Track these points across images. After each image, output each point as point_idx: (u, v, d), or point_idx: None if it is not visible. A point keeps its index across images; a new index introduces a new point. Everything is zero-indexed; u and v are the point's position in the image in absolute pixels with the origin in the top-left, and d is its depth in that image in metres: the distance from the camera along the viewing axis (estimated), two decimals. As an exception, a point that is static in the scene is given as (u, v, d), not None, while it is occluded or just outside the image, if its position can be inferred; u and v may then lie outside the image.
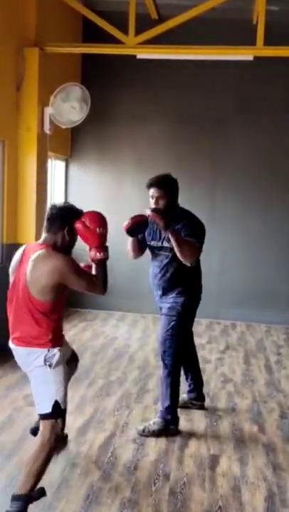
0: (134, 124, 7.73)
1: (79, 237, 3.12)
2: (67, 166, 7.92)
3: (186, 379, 4.48)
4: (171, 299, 4.08)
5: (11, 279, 3.09)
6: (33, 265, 2.93)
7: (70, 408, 4.35)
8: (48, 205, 3.19)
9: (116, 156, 7.81)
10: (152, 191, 3.99)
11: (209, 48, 6.01)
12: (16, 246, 5.91)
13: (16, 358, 3.10)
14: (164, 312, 4.12)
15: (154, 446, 3.82)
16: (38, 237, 6.04)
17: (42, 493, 2.94)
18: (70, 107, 5.91)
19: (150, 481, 3.35)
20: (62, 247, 3.06)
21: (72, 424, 4.06)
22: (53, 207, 3.14)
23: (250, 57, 6.07)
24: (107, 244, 3.12)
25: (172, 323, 4.04)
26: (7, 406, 4.35)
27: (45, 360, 2.96)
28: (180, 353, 4.11)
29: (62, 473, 3.37)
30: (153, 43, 5.96)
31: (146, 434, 3.95)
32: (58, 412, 2.98)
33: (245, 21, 6.79)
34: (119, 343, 6.34)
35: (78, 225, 3.05)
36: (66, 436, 3.64)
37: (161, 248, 4.07)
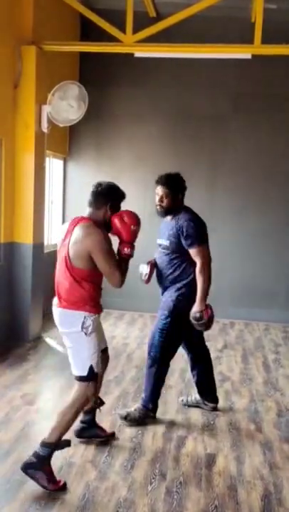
0: (132, 122, 7.72)
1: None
2: (65, 165, 7.92)
3: (193, 377, 4.51)
4: (168, 294, 4.14)
5: (57, 248, 3.41)
6: (74, 234, 3.24)
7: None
8: (93, 184, 3.49)
9: (114, 154, 7.80)
10: (158, 189, 4.09)
11: (207, 46, 5.99)
12: (13, 245, 5.97)
13: (56, 318, 3.37)
14: (159, 307, 4.20)
15: (151, 446, 3.82)
16: (35, 236, 6.06)
17: (67, 443, 3.34)
18: (67, 105, 5.90)
19: (146, 481, 3.35)
20: (103, 223, 3.33)
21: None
22: (99, 184, 3.45)
23: (248, 56, 6.06)
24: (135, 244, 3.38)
25: (162, 318, 4.11)
26: (4, 405, 4.34)
27: (82, 327, 3.24)
28: (168, 348, 4.14)
29: (58, 473, 3.36)
30: (151, 41, 5.94)
31: (128, 420, 4.07)
32: (92, 376, 3.30)
33: (243, 19, 6.78)
34: (117, 342, 6.34)
35: (115, 219, 3.32)
36: (100, 400, 3.83)
37: (160, 245, 4.19)
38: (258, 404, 4.67)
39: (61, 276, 3.30)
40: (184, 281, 4.07)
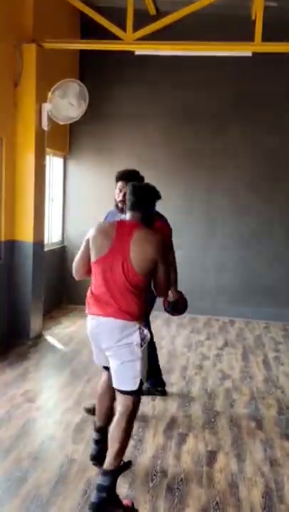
0: (132, 120, 7.71)
1: None
2: (65, 163, 7.91)
3: None
4: None
5: (102, 252, 3.09)
6: (136, 242, 3.02)
7: (68, 404, 4.38)
8: (130, 186, 3.25)
9: (114, 152, 7.79)
10: (121, 184, 4.03)
11: (207, 44, 5.99)
12: (14, 243, 5.97)
13: (105, 331, 3.09)
14: None
15: (152, 443, 3.83)
16: (36, 234, 6.06)
17: (129, 463, 3.21)
18: (67, 103, 5.90)
19: (148, 478, 3.36)
20: (147, 224, 3.18)
21: (70, 420, 4.07)
22: (139, 187, 3.27)
23: (249, 54, 6.06)
24: None
25: None
26: (5, 403, 4.34)
27: (141, 339, 3.05)
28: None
29: (60, 470, 3.37)
30: (151, 39, 5.94)
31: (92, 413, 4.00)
32: (141, 387, 3.13)
33: (244, 17, 6.77)
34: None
35: None
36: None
37: None
38: (259, 402, 4.67)
39: (117, 284, 3.03)
40: None
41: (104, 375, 3.41)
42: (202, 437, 3.96)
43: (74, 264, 3.31)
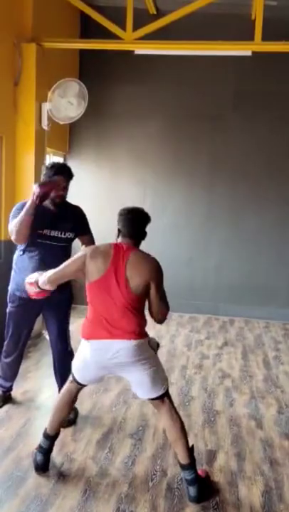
0: (132, 119, 7.71)
1: None
2: (65, 162, 7.91)
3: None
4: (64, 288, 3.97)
5: (100, 273, 3.13)
6: (132, 262, 3.12)
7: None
8: (126, 214, 3.27)
9: (114, 151, 7.79)
10: (61, 178, 3.94)
11: (207, 44, 5.98)
12: (13, 242, 5.95)
13: (123, 354, 3.11)
14: (57, 304, 4.06)
15: (152, 442, 3.83)
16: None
17: (193, 448, 3.30)
18: (67, 102, 5.89)
19: (147, 477, 3.36)
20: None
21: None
22: (138, 217, 3.28)
23: (249, 53, 6.05)
24: None
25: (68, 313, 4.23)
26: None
27: (154, 349, 3.22)
28: None
29: (59, 469, 3.38)
30: (151, 38, 5.93)
31: None
32: (168, 386, 3.29)
33: (244, 16, 6.77)
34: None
35: None
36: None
37: (60, 239, 3.97)
38: (259, 401, 4.68)
39: (120, 306, 3.10)
40: None
41: (74, 387, 3.38)
42: (202, 436, 3.97)
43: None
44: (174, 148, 7.70)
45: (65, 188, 3.99)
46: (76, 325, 6.85)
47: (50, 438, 3.38)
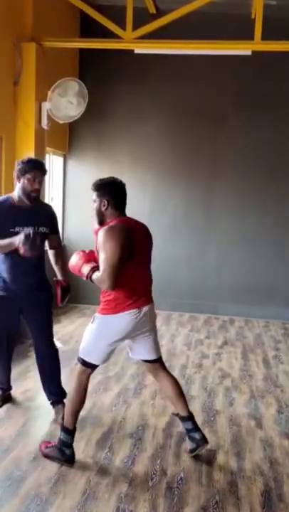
0: (132, 119, 7.71)
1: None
2: (65, 161, 7.91)
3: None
4: (42, 286, 4.07)
5: (143, 247, 3.39)
6: (144, 235, 3.43)
7: (67, 403, 4.36)
8: (119, 182, 3.57)
9: (114, 150, 7.79)
10: (35, 174, 3.92)
11: (207, 43, 5.99)
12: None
13: (147, 315, 3.44)
14: (39, 304, 4.05)
15: (152, 441, 3.83)
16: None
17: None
18: (67, 102, 5.90)
19: (147, 476, 3.36)
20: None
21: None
22: (123, 185, 3.55)
23: (249, 52, 6.05)
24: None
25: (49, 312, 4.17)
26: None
27: None
28: None
29: (59, 468, 3.38)
30: (151, 37, 5.94)
31: None
32: None
33: (243, 15, 6.76)
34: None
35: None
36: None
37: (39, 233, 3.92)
38: (258, 401, 4.68)
39: (149, 275, 3.50)
40: (42, 267, 4.14)
41: (86, 376, 3.56)
42: (202, 436, 3.96)
43: (114, 274, 3.17)
44: (174, 147, 7.70)
45: (40, 183, 3.97)
46: (76, 324, 6.89)
47: (72, 432, 3.49)
